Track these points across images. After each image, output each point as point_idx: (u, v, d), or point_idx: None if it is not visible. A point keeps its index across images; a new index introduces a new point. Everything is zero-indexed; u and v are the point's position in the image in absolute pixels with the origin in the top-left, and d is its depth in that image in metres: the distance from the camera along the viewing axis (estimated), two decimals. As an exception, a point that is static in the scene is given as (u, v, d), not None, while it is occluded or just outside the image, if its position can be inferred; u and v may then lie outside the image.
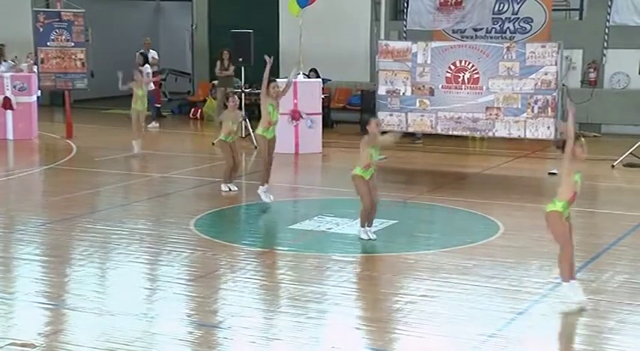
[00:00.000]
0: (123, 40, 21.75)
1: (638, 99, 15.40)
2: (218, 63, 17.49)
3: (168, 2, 24.68)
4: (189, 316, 6.65)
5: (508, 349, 6.07)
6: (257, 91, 17.20)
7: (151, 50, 19.79)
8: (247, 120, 15.63)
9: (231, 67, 17.35)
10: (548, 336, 6.34)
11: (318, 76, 16.73)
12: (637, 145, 13.17)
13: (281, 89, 10.50)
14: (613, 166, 13.12)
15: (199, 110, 19.17)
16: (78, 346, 5.97)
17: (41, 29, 16.15)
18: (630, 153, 13.15)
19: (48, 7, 17.65)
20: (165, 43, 23.26)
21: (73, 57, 16.32)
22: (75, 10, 16.35)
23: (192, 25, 21.37)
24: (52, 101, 20.73)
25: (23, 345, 5.96)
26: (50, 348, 5.99)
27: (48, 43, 16.12)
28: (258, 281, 7.53)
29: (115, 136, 16.77)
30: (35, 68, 16.45)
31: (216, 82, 19.41)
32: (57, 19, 16.19)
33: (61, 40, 16.22)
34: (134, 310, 6.70)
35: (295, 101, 14.40)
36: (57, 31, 16.17)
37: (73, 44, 16.28)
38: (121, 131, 17.73)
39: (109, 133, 17.19)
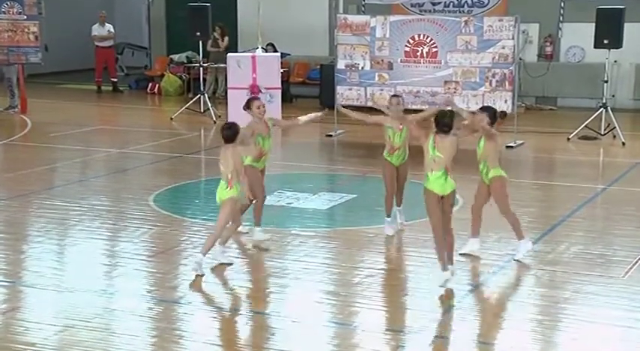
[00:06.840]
0: (77, 13, 21.32)
1: (593, 72, 15.56)
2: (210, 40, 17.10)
3: (123, -26, 24.23)
4: (149, 292, 6.62)
5: (466, 320, 6.16)
6: (215, 66, 17.13)
7: (106, 24, 19.49)
8: (205, 95, 15.50)
9: (224, 43, 17.21)
10: (506, 307, 6.45)
11: (275, 51, 16.61)
12: (592, 117, 13.35)
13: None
14: (569, 139, 13.29)
15: (157, 85, 18.93)
16: (36, 324, 5.91)
17: (-9, 2, 15.76)
18: (585, 126, 13.34)
19: (-1, -21, 17.21)
20: (121, 17, 22.85)
21: (26, 30, 15.94)
22: (27, -18, 15.97)
23: (148, -2, 21.03)
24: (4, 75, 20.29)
25: (-20, 323, 5.89)
26: (7, 325, 5.93)
27: (-1, 16, 15.75)
28: (219, 256, 7.50)
29: (71, 111, 16.51)
30: None
31: (175, 56, 19.20)
32: (8, -9, 15.80)
33: (13, 13, 15.83)
34: (93, 287, 6.65)
35: (254, 76, 14.30)
36: (8, 3, 15.76)
37: (25, 17, 15.90)
38: (76, 106, 17.48)
39: (64, 108, 16.91)
